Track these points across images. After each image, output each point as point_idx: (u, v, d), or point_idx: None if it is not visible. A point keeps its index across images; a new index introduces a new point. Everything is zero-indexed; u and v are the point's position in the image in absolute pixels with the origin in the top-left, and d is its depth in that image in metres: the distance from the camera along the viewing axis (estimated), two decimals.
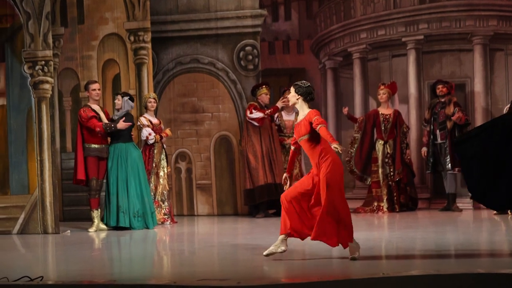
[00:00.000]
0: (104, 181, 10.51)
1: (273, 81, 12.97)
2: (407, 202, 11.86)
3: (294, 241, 9.11)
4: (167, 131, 11.07)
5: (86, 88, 10.51)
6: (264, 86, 11.58)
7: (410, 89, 12.46)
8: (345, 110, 11.91)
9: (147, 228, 10.35)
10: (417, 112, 12.42)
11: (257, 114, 11.41)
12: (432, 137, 11.72)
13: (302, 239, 7.47)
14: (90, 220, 10.52)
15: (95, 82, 10.67)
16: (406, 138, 11.93)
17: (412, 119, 12.44)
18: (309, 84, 7.44)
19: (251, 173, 11.47)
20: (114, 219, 10.33)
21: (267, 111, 11.45)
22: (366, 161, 11.88)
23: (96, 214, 10.43)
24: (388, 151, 11.82)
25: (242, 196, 11.75)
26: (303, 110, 7.44)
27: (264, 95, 11.53)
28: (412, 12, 12.46)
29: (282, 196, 7.41)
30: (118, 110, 10.47)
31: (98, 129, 10.24)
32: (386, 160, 11.80)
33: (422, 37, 12.42)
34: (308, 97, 7.39)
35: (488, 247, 8.31)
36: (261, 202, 11.49)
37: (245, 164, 11.50)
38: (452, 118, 11.43)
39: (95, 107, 10.44)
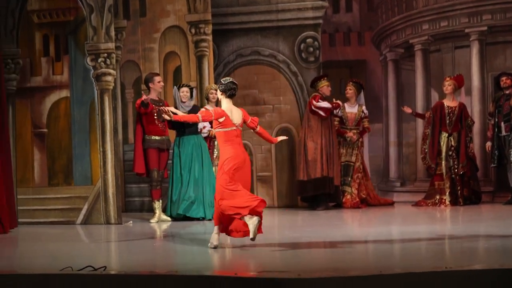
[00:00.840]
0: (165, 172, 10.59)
1: (334, 73, 12.90)
2: (470, 196, 11.70)
3: (354, 231, 9.08)
4: None
5: (150, 80, 10.47)
6: (324, 78, 11.52)
7: (474, 81, 12.28)
8: (408, 110, 11.77)
9: (204, 218, 10.39)
10: (481, 104, 12.23)
11: (325, 104, 11.35)
12: (496, 130, 11.53)
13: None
14: (152, 211, 10.60)
15: (158, 74, 10.73)
16: (470, 132, 11.76)
17: (475, 111, 12.26)
18: (230, 80, 7.67)
19: (308, 164, 11.41)
20: (181, 208, 10.38)
21: (333, 104, 11.40)
22: (433, 152, 11.71)
23: (157, 205, 10.50)
24: (452, 143, 11.65)
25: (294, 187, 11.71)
26: (224, 105, 7.76)
27: (325, 87, 11.47)
28: (476, 3, 12.27)
29: None
30: (183, 102, 10.50)
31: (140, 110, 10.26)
32: (450, 153, 11.63)
33: (485, 28, 12.23)
34: (228, 93, 7.64)
35: None
36: (319, 194, 11.44)
37: (302, 155, 11.44)
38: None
39: (155, 99, 10.49)
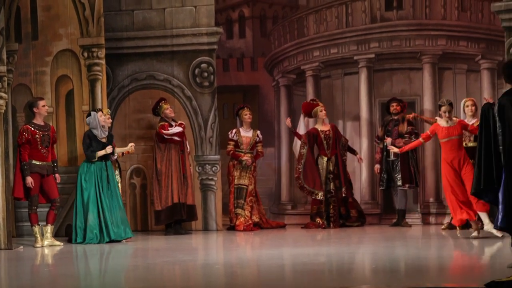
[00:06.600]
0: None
1: (228, 97, 12.97)
2: (358, 217, 11.86)
3: (247, 253, 9.10)
4: (130, 148, 11.03)
5: (34, 105, 10.29)
6: (163, 102, 11.52)
7: (362, 106, 12.53)
8: (289, 122, 11.91)
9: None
10: (368, 129, 12.48)
11: (176, 129, 11.32)
12: (385, 154, 11.75)
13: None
14: (43, 236, 10.36)
15: (42, 98, 10.56)
16: (345, 151, 11.92)
17: (363, 135, 12.50)
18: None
19: (161, 192, 11.32)
20: (81, 236, 10.39)
21: (181, 124, 11.39)
22: (314, 176, 11.78)
23: (38, 229, 10.27)
24: (330, 168, 11.80)
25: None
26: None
27: (167, 111, 11.46)
28: (364, 31, 12.55)
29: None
30: (103, 126, 10.49)
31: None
32: (329, 176, 11.77)
33: (373, 55, 12.51)
34: None
35: (436, 261, 8.38)
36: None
37: (156, 184, 11.37)
38: (396, 145, 11.45)
39: (41, 124, 10.31)
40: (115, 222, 10.50)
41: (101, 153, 10.48)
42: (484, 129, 7.48)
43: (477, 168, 7.49)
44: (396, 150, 10.92)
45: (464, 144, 10.33)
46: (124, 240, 10.60)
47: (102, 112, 10.66)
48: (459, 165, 10.00)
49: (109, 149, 10.51)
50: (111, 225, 10.45)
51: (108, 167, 10.59)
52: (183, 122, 11.55)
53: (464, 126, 10.11)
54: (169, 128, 11.30)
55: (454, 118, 10.18)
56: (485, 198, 7.67)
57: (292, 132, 12.03)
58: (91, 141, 10.49)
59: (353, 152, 12.02)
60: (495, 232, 9.51)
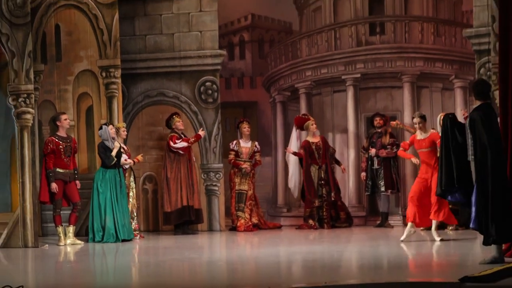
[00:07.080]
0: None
1: (229, 112, 13.01)
2: (346, 219, 11.88)
3: (247, 251, 9.13)
4: (139, 157, 11.08)
5: (57, 119, 10.42)
6: (175, 116, 11.57)
7: (349, 120, 12.58)
8: (289, 150, 11.96)
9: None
10: (355, 140, 12.53)
11: (181, 144, 11.36)
12: (370, 162, 11.80)
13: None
14: (66, 235, 10.38)
15: (64, 113, 10.65)
16: (333, 160, 11.96)
17: (350, 147, 12.54)
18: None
19: (171, 196, 11.36)
20: (100, 236, 10.41)
21: (191, 140, 11.44)
22: (312, 187, 11.81)
23: (61, 229, 10.31)
24: (322, 175, 11.84)
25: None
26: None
27: (178, 123, 11.51)
28: (351, 53, 12.60)
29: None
30: (113, 138, 10.53)
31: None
32: (320, 182, 11.81)
33: (359, 75, 12.56)
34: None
35: (416, 258, 8.40)
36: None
37: (165, 188, 11.40)
38: (380, 155, 11.52)
39: (64, 136, 10.38)
40: (126, 223, 10.54)
41: (114, 152, 10.47)
42: (444, 138, 7.57)
43: (439, 173, 7.58)
44: (415, 161, 10.42)
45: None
46: (137, 239, 10.63)
47: (113, 126, 10.71)
48: (430, 173, 9.93)
49: (117, 144, 10.52)
50: (122, 226, 10.48)
51: (120, 174, 10.62)
52: (200, 133, 11.52)
53: (434, 141, 10.00)
54: (177, 141, 11.35)
55: (432, 130, 10.19)
56: (448, 198, 7.75)
57: (293, 154, 11.99)
58: (106, 151, 10.52)
59: (338, 163, 12.04)
60: (437, 238, 9.57)
